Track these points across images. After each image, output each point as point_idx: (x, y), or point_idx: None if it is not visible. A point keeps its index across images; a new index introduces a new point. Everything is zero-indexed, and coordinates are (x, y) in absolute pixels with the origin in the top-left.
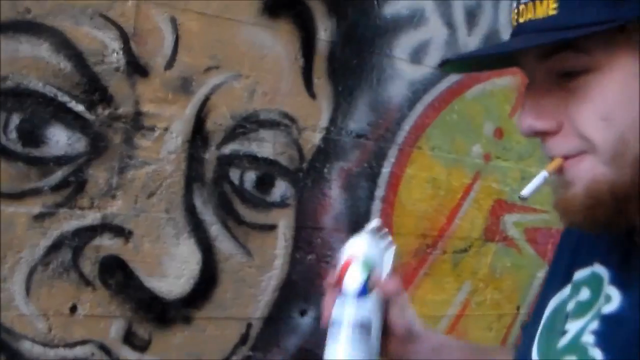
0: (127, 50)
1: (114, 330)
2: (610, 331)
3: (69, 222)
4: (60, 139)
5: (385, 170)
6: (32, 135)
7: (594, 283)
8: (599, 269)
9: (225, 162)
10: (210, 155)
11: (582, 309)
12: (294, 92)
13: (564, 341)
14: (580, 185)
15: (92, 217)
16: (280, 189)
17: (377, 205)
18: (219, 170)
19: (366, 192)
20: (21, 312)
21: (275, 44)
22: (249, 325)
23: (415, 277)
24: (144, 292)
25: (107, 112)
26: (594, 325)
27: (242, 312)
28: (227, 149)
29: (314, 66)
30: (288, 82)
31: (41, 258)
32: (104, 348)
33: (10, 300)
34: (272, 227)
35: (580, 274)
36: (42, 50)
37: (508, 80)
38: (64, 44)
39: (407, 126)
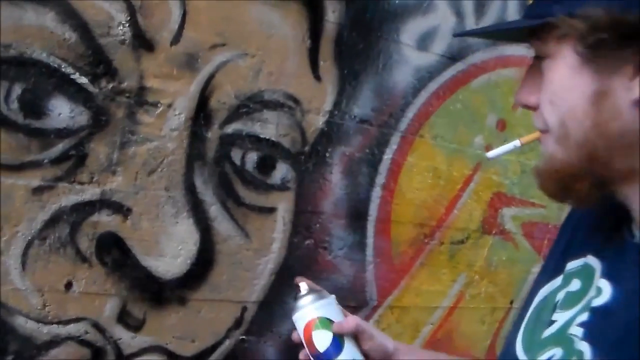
0: (133, 23)
1: (109, 308)
2: (599, 324)
3: (68, 196)
4: (62, 111)
5: (387, 157)
6: (33, 106)
7: (586, 274)
8: (592, 260)
9: (228, 141)
10: (212, 134)
11: (572, 300)
12: (299, 74)
13: (549, 331)
14: (542, 159)
15: (91, 193)
16: (281, 171)
17: (376, 192)
18: (221, 149)
19: (367, 178)
20: (16, 286)
21: (283, 23)
22: (244, 309)
23: (412, 267)
24: (140, 271)
25: (110, 85)
26: (583, 317)
27: (237, 295)
28: (230, 129)
29: (321, 48)
30: (294, 63)
31: (38, 232)
32: (97, 326)
33: (5, 274)
34: (271, 210)
35: (572, 265)
36: (47, 19)
37: (513, 72)
38: (70, 14)
39: (410, 113)
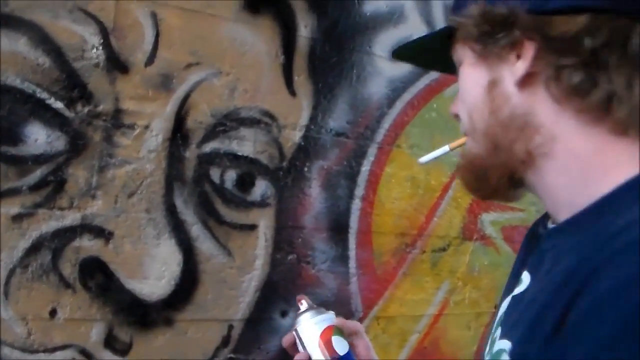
0: (106, 45)
1: (95, 333)
2: (510, 310)
3: (48, 222)
4: (39, 137)
5: (365, 168)
6: (10, 132)
7: (521, 280)
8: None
9: (206, 160)
10: (190, 154)
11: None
12: (274, 90)
13: (490, 338)
14: (462, 157)
15: (71, 218)
16: (261, 188)
17: (356, 204)
18: (200, 169)
19: (346, 190)
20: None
21: (256, 40)
22: (231, 327)
23: (395, 277)
24: (124, 294)
25: (86, 109)
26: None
27: (223, 313)
28: (208, 147)
29: (295, 63)
30: (268, 79)
31: (20, 260)
32: (84, 352)
33: None
34: (252, 227)
35: (519, 277)
36: (20, 44)
37: None
38: (43, 39)
39: (386, 124)
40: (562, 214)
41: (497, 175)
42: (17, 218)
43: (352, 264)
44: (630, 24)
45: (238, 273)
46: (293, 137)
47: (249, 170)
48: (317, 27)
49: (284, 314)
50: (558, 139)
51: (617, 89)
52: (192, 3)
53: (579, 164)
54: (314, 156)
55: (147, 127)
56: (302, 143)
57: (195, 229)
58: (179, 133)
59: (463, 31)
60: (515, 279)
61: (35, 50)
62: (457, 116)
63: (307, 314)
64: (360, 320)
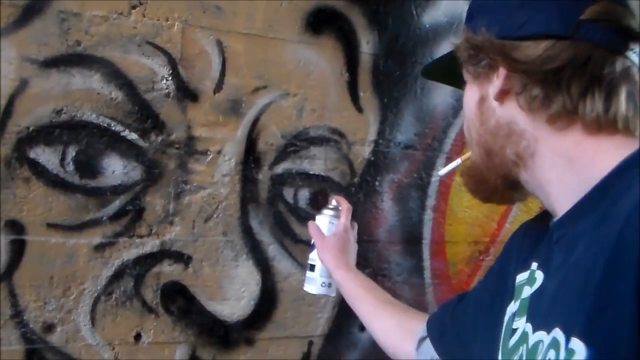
0: (175, 75)
1: (179, 355)
2: (534, 305)
3: (129, 250)
4: (116, 169)
5: (435, 179)
6: (88, 166)
7: (532, 280)
8: (534, 265)
9: (279, 181)
10: (263, 176)
11: (524, 305)
12: (341, 107)
13: (514, 339)
14: (464, 165)
15: (151, 245)
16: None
17: (428, 215)
18: (273, 189)
19: (417, 202)
20: (87, 342)
21: (320, 59)
22: (310, 343)
23: (470, 285)
24: (206, 316)
25: (160, 138)
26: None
27: (302, 330)
28: (280, 168)
29: (359, 80)
30: (335, 97)
31: (104, 288)
32: None
33: (76, 331)
34: None
35: (521, 277)
36: (94, 81)
37: None
38: (115, 74)
39: (453, 134)
40: (560, 206)
41: (493, 177)
42: (99, 247)
43: (427, 274)
44: (591, 48)
45: None
46: (362, 152)
47: (321, 188)
48: (379, 43)
49: (362, 328)
50: (540, 140)
51: (571, 104)
52: (255, 28)
53: (564, 159)
54: (384, 170)
55: (219, 152)
56: (372, 158)
57: (272, 249)
58: (251, 156)
59: (460, 55)
60: (512, 288)
61: (108, 85)
62: None
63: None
64: None
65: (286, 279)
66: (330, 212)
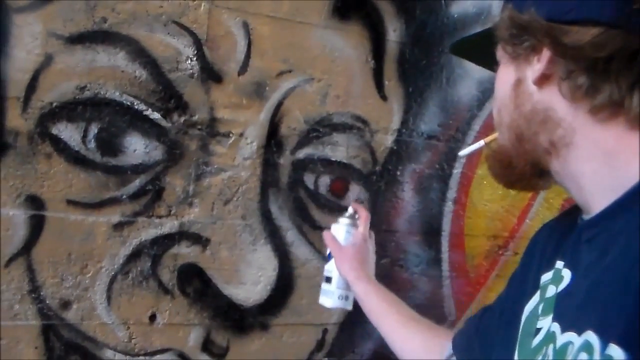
0: (200, 56)
1: (193, 338)
2: (562, 304)
3: (147, 230)
4: (137, 148)
5: (457, 171)
6: (110, 144)
7: (557, 278)
8: (559, 264)
9: (300, 166)
10: (284, 160)
11: (549, 304)
12: (365, 95)
13: (538, 339)
14: (489, 149)
15: (169, 225)
16: (354, 192)
17: (448, 207)
18: (294, 175)
19: (438, 193)
20: (103, 320)
21: (346, 46)
22: (325, 331)
23: (488, 279)
24: (221, 299)
25: (182, 119)
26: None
27: (318, 317)
28: (302, 154)
29: (385, 68)
30: (359, 84)
31: (121, 267)
32: (183, 356)
33: (92, 309)
34: None
35: (545, 277)
36: (119, 59)
37: None
38: (139, 52)
39: (477, 126)
40: (593, 201)
41: (522, 163)
42: (118, 226)
43: (445, 266)
44: (638, 40)
45: None
46: (385, 141)
47: (342, 175)
48: (406, 31)
49: None
50: (578, 131)
51: (617, 96)
52: (282, 11)
53: (602, 152)
54: (406, 160)
55: (241, 135)
56: (394, 147)
57: (291, 235)
58: (273, 140)
59: (499, 33)
60: (534, 287)
61: (133, 63)
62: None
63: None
64: (453, 323)
65: (303, 265)
66: (347, 221)
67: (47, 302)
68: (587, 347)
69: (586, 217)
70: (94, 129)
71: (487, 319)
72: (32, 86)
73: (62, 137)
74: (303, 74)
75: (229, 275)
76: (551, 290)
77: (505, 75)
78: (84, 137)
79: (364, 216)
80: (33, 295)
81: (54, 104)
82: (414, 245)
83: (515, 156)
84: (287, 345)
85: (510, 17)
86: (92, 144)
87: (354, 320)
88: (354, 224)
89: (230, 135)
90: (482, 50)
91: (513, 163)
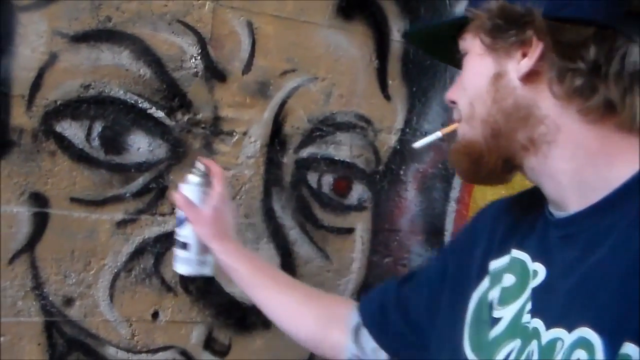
0: (205, 55)
1: (195, 335)
2: (542, 300)
3: (151, 228)
4: (141, 146)
5: None
6: (114, 142)
7: (517, 267)
8: (518, 254)
9: (303, 165)
10: (288, 159)
11: (510, 294)
12: (369, 94)
13: (498, 329)
14: (455, 143)
15: (172, 223)
16: (358, 191)
17: (452, 207)
18: (297, 174)
19: (441, 193)
20: (105, 317)
21: (350, 45)
22: None
23: None
24: (224, 297)
25: (186, 117)
26: (529, 304)
27: None
28: (305, 153)
29: (389, 67)
30: (363, 84)
31: (124, 264)
32: (185, 354)
33: (95, 306)
34: (349, 231)
35: (496, 264)
36: (123, 57)
37: None
38: (144, 51)
39: None
40: (571, 198)
41: (494, 159)
42: (121, 224)
43: None
44: (627, 43)
45: (335, 276)
46: (389, 140)
47: (345, 174)
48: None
49: None
50: (562, 129)
51: (613, 98)
52: (286, 11)
53: (586, 152)
54: (410, 159)
55: (245, 133)
56: (398, 146)
57: (293, 233)
58: (276, 139)
59: (477, 23)
60: (481, 273)
61: (137, 62)
62: (453, 102)
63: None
64: None
65: (306, 264)
66: (199, 180)
67: (50, 298)
68: (584, 344)
69: (559, 213)
70: (98, 127)
71: (412, 290)
72: (36, 84)
73: (66, 135)
74: (307, 73)
75: None
76: (509, 280)
77: (480, 67)
78: (88, 135)
79: (218, 173)
80: (36, 292)
81: (59, 102)
82: (416, 245)
83: (487, 151)
84: (289, 344)
85: (501, 8)
86: (96, 142)
87: None
88: (207, 182)
89: (234, 134)
90: (442, 39)
91: (484, 158)
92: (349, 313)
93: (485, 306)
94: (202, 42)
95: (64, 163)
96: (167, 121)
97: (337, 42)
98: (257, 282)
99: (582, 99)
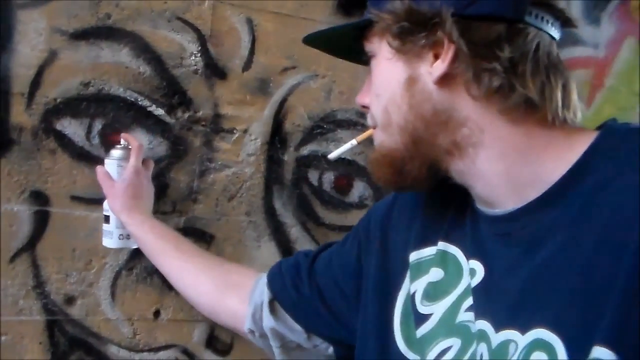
0: (204, 52)
1: (197, 334)
2: (486, 300)
3: None
4: (141, 143)
5: None
6: (114, 140)
7: (447, 261)
8: (447, 247)
9: (304, 163)
10: (289, 157)
11: (440, 289)
12: None
13: (429, 326)
14: (374, 152)
15: (174, 222)
16: (359, 189)
17: None
18: (298, 171)
19: None
20: (107, 316)
21: None
22: None
23: None
24: None
25: (186, 115)
26: (469, 301)
27: None
28: (306, 150)
29: None
30: (364, 80)
31: (125, 263)
32: (187, 352)
33: (96, 305)
34: (350, 228)
35: (418, 255)
36: (122, 55)
37: (579, 74)
38: (144, 48)
39: None
40: (505, 196)
41: (417, 166)
42: None
43: None
44: (538, 34)
45: None
46: None
47: (346, 172)
48: None
49: None
50: (486, 130)
51: (532, 96)
52: (286, 8)
53: (514, 150)
54: None
55: (245, 131)
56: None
57: (295, 231)
58: (277, 136)
59: (382, 25)
60: (403, 265)
61: (137, 59)
62: (365, 107)
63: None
64: None
65: None
66: (119, 154)
67: (52, 297)
68: (542, 345)
69: (492, 210)
70: (98, 125)
71: (325, 277)
72: (36, 82)
73: (66, 132)
74: (307, 70)
75: None
76: (436, 274)
77: (391, 72)
78: (88, 133)
79: (135, 147)
80: (37, 290)
81: (58, 100)
82: None
83: (409, 159)
84: None
85: (407, 10)
86: (96, 140)
87: None
88: (126, 156)
89: (235, 131)
90: (340, 41)
91: (407, 167)
92: (251, 283)
93: (409, 299)
94: (202, 39)
95: (64, 161)
96: (167, 119)
97: None
98: (160, 250)
99: (501, 98)
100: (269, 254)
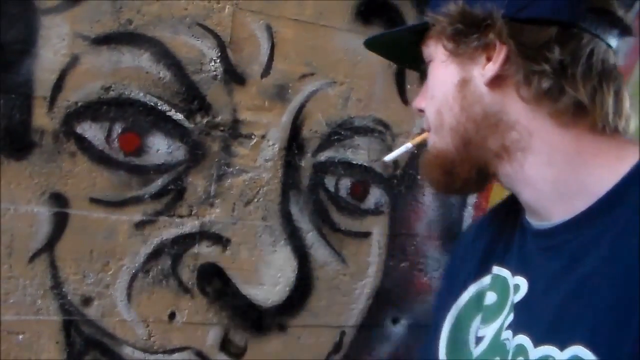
0: (224, 58)
1: (211, 337)
2: (525, 315)
3: (169, 229)
4: (160, 148)
5: None
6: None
7: (499, 284)
8: (499, 270)
9: (321, 169)
10: (306, 163)
11: (493, 311)
12: (387, 99)
13: (481, 347)
14: (426, 153)
15: (190, 225)
16: (375, 196)
17: (469, 212)
18: (315, 177)
19: (458, 198)
20: (123, 317)
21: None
22: (343, 333)
23: None
24: (240, 299)
25: (205, 120)
26: (510, 318)
27: (336, 320)
28: (323, 156)
29: (407, 72)
30: (381, 88)
31: (142, 265)
32: (201, 355)
33: (112, 306)
34: (366, 235)
35: (478, 285)
36: (143, 60)
37: None
38: (164, 54)
39: None
40: (553, 206)
41: (467, 169)
42: (140, 225)
43: None
44: (593, 40)
45: (351, 280)
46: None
47: (363, 178)
48: None
49: (395, 321)
50: (535, 134)
51: (582, 99)
52: (305, 15)
53: (563, 157)
54: None
55: (263, 136)
56: (416, 151)
57: (310, 237)
58: (294, 142)
59: (438, 28)
60: (460, 292)
61: (157, 64)
62: (421, 111)
63: None
64: None
65: (322, 267)
66: None
67: (69, 298)
68: None
69: (539, 223)
70: (117, 129)
71: None
72: (58, 86)
73: (86, 136)
74: (325, 77)
75: (249, 276)
76: (490, 298)
77: (445, 74)
78: (108, 136)
79: None
80: (55, 291)
81: (79, 104)
82: (433, 250)
83: (460, 161)
84: (305, 347)
85: (460, 12)
86: (115, 144)
87: (371, 323)
88: None
89: (253, 137)
90: (403, 46)
91: (457, 169)
92: None
93: (465, 325)
94: (221, 46)
95: (84, 164)
96: (186, 123)
97: (355, 47)
98: None
99: (551, 101)
100: (284, 258)
